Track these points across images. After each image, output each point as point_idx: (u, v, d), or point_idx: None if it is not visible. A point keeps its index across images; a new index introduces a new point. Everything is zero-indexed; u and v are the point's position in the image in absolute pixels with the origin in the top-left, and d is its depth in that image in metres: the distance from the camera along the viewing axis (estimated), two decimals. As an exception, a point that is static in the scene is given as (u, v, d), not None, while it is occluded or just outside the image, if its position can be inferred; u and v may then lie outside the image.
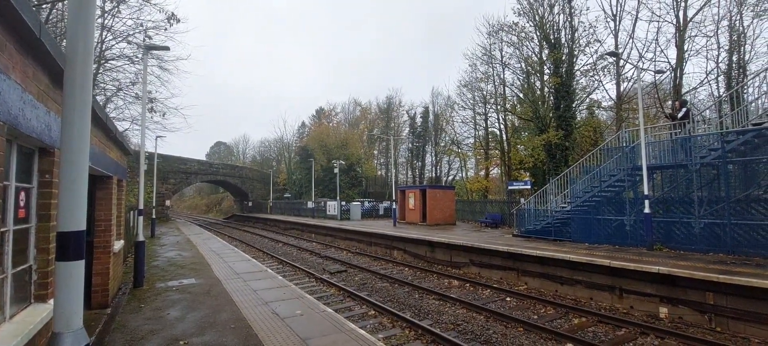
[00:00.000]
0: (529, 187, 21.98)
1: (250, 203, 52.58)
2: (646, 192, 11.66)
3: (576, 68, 23.49)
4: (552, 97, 23.73)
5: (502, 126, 31.27)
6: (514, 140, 29.88)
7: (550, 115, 23.33)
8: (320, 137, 46.75)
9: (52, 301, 3.58)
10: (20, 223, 3.31)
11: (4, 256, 3.04)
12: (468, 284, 11.48)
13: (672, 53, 21.61)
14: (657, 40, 21.90)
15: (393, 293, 10.50)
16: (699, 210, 11.01)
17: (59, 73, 3.51)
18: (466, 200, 30.83)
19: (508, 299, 9.94)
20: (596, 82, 24.13)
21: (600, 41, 23.21)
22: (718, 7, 20.42)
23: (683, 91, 20.84)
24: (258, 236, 27.41)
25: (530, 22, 24.71)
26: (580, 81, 24.20)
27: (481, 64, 30.62)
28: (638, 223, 12.24)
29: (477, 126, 35.33)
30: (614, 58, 21.56)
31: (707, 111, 16.64)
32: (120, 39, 15.96)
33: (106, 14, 14.95)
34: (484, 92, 32.02)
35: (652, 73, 20.38)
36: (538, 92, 25.63)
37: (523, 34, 25.59)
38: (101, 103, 15.99)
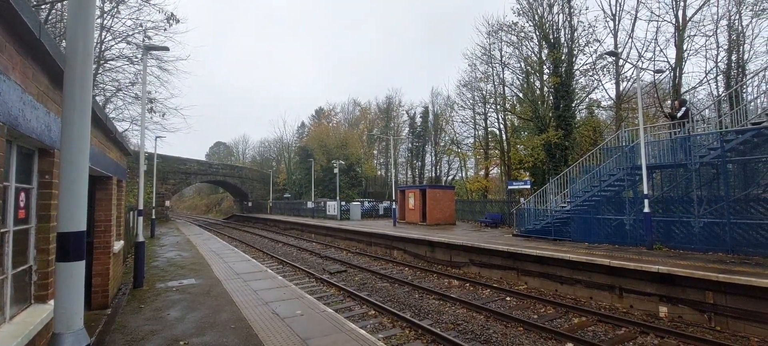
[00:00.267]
0: (528, 186, 21.99)
1: (250, 203, 52.58)
2: (645, 191, 11.67)
3: (575, 68, 23.50)
4: (551, 97, 23.74)
5: (501, 126, 31.29)
6: (514, 140, 29.89)
7: (550, 114, 23.34)
8: (320, 137, 46.74)
9: (52, 302, 3.58)
10: (20, 223, 3.31)
11: (4, 257, 3.04)
12: (468, 284, 11.49)
13: (671, 53, 21.66)
14: (656, 39, 21.93)
15: (393, 293, 10.50)
16: (698, 209, 11.02)
17: (59, 74, 3.51)
18: (465, 200, 30.84)
19: (508, 298, 9.95)
20: (596, 81, 24.16)
21: (599, 41, 23.26)
22: (717, 7, 20.48)
23: (682, 90, 20.86)
24: (258, 236, 27.40)
25: (529, 22, 24.73)
26: (580, 80, 24.22)
27: (480, 64, 30.65)
28: (638, 222, 12.25)
29: (477, 126, 35.36)
30: (613, 58, 21.59)
31: (706, 110, 16.66)
32: (119, 39, 15.96)
33: (105, 15, 14.95)
34: (484, 92, 32.06)
35: (652, 72, 20.42)
36: (538, 92, 25.64)
37: (522, 34, 25.61)
38: (101, 103, 15.98)
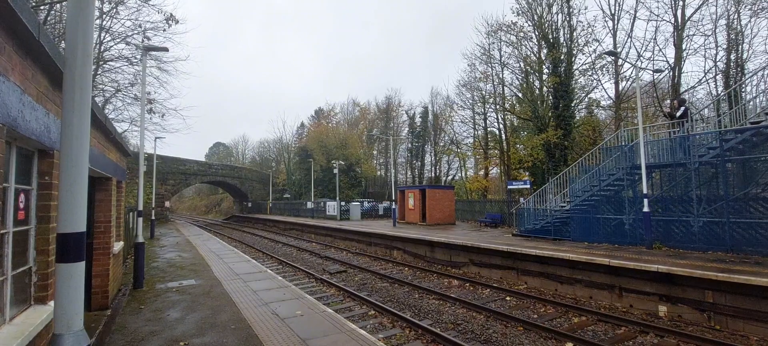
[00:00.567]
0: (528, 186, 22.02)
1: (250, 204, 52.57)
2: (645, 191, 11.69)
3: (575, 67, 23.54)
4: (551, 97, 23.76)
5: (501, 126, 31.32)
6: (513, 140, 29.91)
7: (549, 114, 23.36)
8: (319, 137, 46.73)
9: (52, 303, 3.58)
10: (20, 225, 3.31)
11: (4, 258, 3.04)
12: (468, 284, 11.49)
13: (670, 52, 21.69)
14: (655, 39, 21.89)
15: (393, 293, 10.51)
16: (698, 209, 11.04)
17: (58, 75, 3.51)
18: (465, 200, 30.86)
19: (507, 298, 9.95)
20: (595, 81, 24.21)
21: (598, 40, 23.29)
22: (716, 6, 20.50)
23: (681, 89, 20.88)
24: (257, 237, 27.40)
25: (529, 22, 24.76)
26: (579, 80, 24.26)
27: (480, 64, 30.70)
28: (637, 222, 12.26)
29: (476, 126, 35.39)
30: (613, 58, 21.63)
31: (706, 110, 16.69)
32: (118, 40, 15.98)
33: (104, 15, 14.95)
34: (483, 92, 32.10)
35: (651, 72, 20.45)
36: (537, 92, 25.66)
37: (521, 34, 25.65)
38: (100, 104, 15.97)
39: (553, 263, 10.72)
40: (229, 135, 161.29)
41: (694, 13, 20.31)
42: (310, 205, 36.74)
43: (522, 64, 26.91)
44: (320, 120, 55.90)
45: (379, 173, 52.00)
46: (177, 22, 14.73)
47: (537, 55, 25.48)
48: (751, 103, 11.51)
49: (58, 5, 12.86)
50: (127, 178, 13.09)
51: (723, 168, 10.85)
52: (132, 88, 17.10)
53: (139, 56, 15.59)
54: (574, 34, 23.17)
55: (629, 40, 22.67)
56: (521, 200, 19.90)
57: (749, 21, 20.53)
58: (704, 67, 30.45)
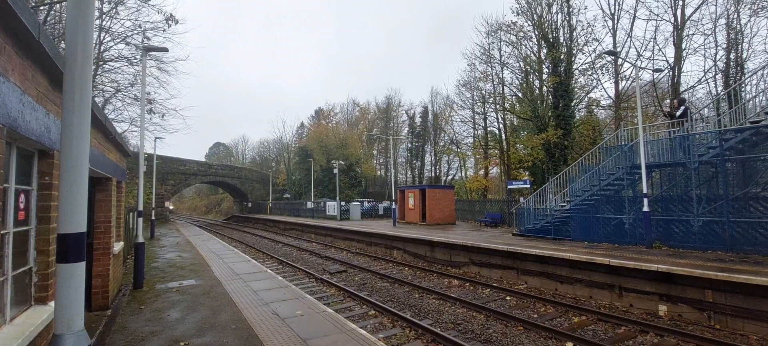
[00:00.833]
0: (528, 186, 22.02)
1: (250, 204, 52.57)
2: (644, 190, 11.69)
3: (574, 67, 23.54)
4: (551, 96, 23.77)
5: (501, 125, 31.33)
6: (513, 139, 29.92)
7: (549, 114, 23.37)
8: (319, 137, 46.73)
9: (52, 303, 3.58)
10: (20, 225, 3.32)
11: (4, 258, 3.04)
12: (468, 284, 11.49)
13: (670, 52, 21.68)
14: (655, 38, 21.86)
15: (393, 293, 10.51)
16: (697, 208, 11.04)
17: (58, 75, 3.51)
18: (465, 200, 30.86)
19: (508, 298, 9.96)
20: (595, 80, 24.22)
21: (598, 40, 23.29)
22: (716, 6, 20.52)
23: (681, 89, 20.89)
24: (258, 237, 27.40)
25: (529, 22, 24.77)
26: (579, 80, 24.27)
27: (479, 64, 30.72)
28: (637, 221, 12.27)
29: (476, 125, 35.40)
30: (612, 57, 21.63)
31: (705, 109, 16.71)
32: (118, 40, 15.96)
33: (104, 16, 14.94)
34: (483, 92, 32.11)
35: (651, 71, 20.48)
36: (537, 91, 25.67)
37: (521, 34, 25.65)
38: (100, 104, 15.97)
39: (553, 262, 10.72)
40: (229, 135, 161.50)
41: (693, 12, 20.34)
42: (310, 205, 36.74)
43: (522, 64, 26.93)
44: (320, 120, 55.91)
45: (379, 172, 52.02)
46: (177, 22, 14.73)
47: (537, 55, 25.49)
48: (751, 102, 11.52)
49: (57, 5, 12.86)
50: (127, 178, 13.10)
51: (723, 167, 10.85)
52: (132, 88, 17.10)
53: (138, 56, 15.58)
54: (574, 33, 23.19)
55: (629, 39, 22.74)
56: (521, 199, 19.91)
57: (749, 20, 20.59)
58: (704, 66, 30.44)
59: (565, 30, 23.46)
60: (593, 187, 13.87)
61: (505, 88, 29.87)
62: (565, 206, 14.85)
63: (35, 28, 2.82)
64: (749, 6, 19.93)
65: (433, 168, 45.63)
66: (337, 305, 9.30)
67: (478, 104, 33.34)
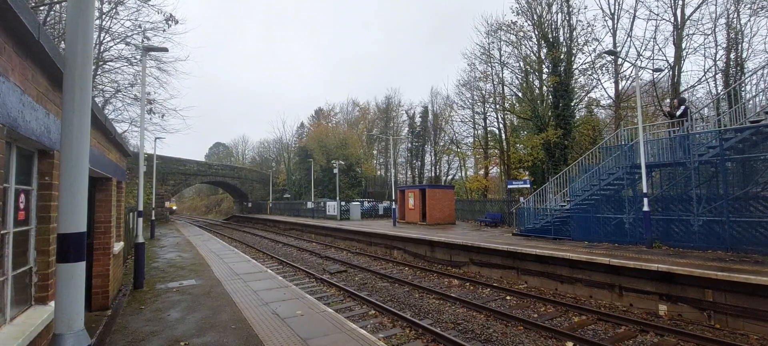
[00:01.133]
0: (528, 186, 22.03)
1: (250, 204, 52.58)
2: (644, 190, 11.69)
3: (574, 67, 23.54)
4: (551, 96, 23.76)
5: (501, 125, 31.33)
6: (513, 139, 29.92)
7: (549, 113, 23.36)
8: (319, 137, 46.72)
9: (52, 303, 3.58)
10: (20, 225, 3.32)
11: (4, 258, 3.04)
12: (468, 283, 11.50)
13: (670, 51, 21.68)
14: (655, 38, 21.85)
15: (393, 293, 10.51)
16: (697, 208, 11.04)
17: (58, 75, 3.52)
18: (465, 200, 30.86)
19: (508, 297, 9.96)
20: (595, 80, 24.21)
21: (598, 40, 23.28)
22: (716, 5, 20.51)
23: (681, 89, 20.89)
24: (258, 237, 27.40)
25: (528, 21, 24.77)
26: (579, 80, 24.26)
27: (479, 64, 30.71)
28: (637, 221, 12.27)
29: (476, 125, 35.40)
30: (612, 57, 21.62)
31: (705, 109, 16.70)
32: (118, 40, 15.96)
33: (104, 16, 14.94)
34: (483, 91, 32.11)
35: (651, 71, 20.46)
36: (537, 91, 25.67)
37: (521, 33, 25.65)
38: (100, 104, 15.98)
39: (554, 262, 10.72)
40: (229, 135, 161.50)
41: (693, 12, 20.33)
42: (310, 205, 36.74)
43: (522, 64, 26.92)
44: (320, 120, 55.91)
45: (379, 172, 52.02)
46: (177, 22, 14.73)
47: (537, 55, 25.49)
48: (751, 102, 11.53)
49: (57, 5, 12.86)
50: (127, 178, 13.09)
51: (723, 167, 10.85)
52: (132, 88, 17.10)
53: (138, 57, 15.58)
54: (574, 33, 23.18)
55: (629, 39, 22.70)
56: (521, 199, 19.91)
57: (749, 20, 20.58)
58: (704, 66, 30.49)
59: (565, 30, 23.47)
60: (593, 187, 13.88)
61: (505, 88, 29.90)
62: (565, 205, 14.85)
63: (35, 28, 2.82)
64: (749, 6, 19.94)
65: (433, 168, 45.65)
66: (337, 304, 9.31)
67: (478, 104, 33.36)
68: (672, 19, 20.80)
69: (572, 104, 23.31)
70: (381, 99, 61.68)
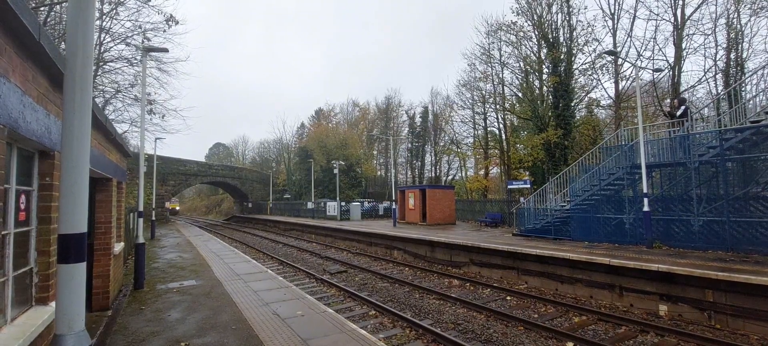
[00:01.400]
0: (528, 186, 22.03)
1: (250, 204, 52.59)
2: (645, 190, 11.69)
3: (574, 67, 23.54)
4: (551, 96, 23.77)
5: (501, 125, 31.34)
6: (514, 139, 29.93)
7: (549, 114, 23.37)
8: (319, 138, 46.74)
9: (53, 303, 3.59)
10: (21, 226, 3.32)
11: (5, 259, 3.04)
12: (468, 284, 11.49)
13: (670, 51, 21.67)
14: (655, 38, 21.84)
15: (393, 293, 10.51)
16: (698, 208, 11.04)
17: (59, 76, 3.52)
18: (465, 200, 30.85)
19: (508, 298, 9.96)
20: (595, 80, 24.22)
21: (598, 40, 23.29)
22: (716, 6, 20.51)
23: (681, 89, 20.88)
24: (258, 238, 27.40)
25: (529, 22, 24.78)
26: (579, 80, 24.27)
27: (479, 64, 30.72)
28: (637, 221, 12.27)
29: (476, 125, 35.42)
30: (612, 57, 21.63)
31: (706, 109, 16.70)
32: (118, 41, 15.96)
33: (104, 16, 14.95)
34: (483, 92, 32.13)
35: (651, 71, 20.46)
36: (537, 91, 25.68)
37: (521, 34, 25.66)
38: (100, 105, 15.99)
39: (554, 262, 10.72)
40: (229, 135, 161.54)
41: (694, 12, 20.32)
42: (310, 205, 36.75)
43: (522, 64, 26.93)
44: (320, 120, 55.94)
45: (379, 173, 52.04)
46: (177, 22, 14.75)
47: (537, 55, 25.49)
48: (751, 102, 11.53)
49: (58, 6, 12.88)
50: (128, 179, 13.10)
51: (723, 167, 10.85)
52: (132, 89, 17.11)
53: (139, 57, 15.59)
54: (574, 33, 23.19)
55: (629, 39, 22.71)
56: (521, 199, 19.91)
57: (749, 20, 20.57)
58: (704, 66, 30.44)
59: (565, 30, 23.47)
60: (593, 187, 13.88)
61: (505, 88, 29.92)
62: (565, 205, 14.85)
63: (36, 29, 2.82)
64: (749, 6, 19.92)
65: (433, 168, 45.68)
66: (337, 305, 9.31)
67: (478, 104, 33.37)
68: (672, 20, 20.82)
69: (572, 104, 23.31)
70: (381, 99, 61.79)
